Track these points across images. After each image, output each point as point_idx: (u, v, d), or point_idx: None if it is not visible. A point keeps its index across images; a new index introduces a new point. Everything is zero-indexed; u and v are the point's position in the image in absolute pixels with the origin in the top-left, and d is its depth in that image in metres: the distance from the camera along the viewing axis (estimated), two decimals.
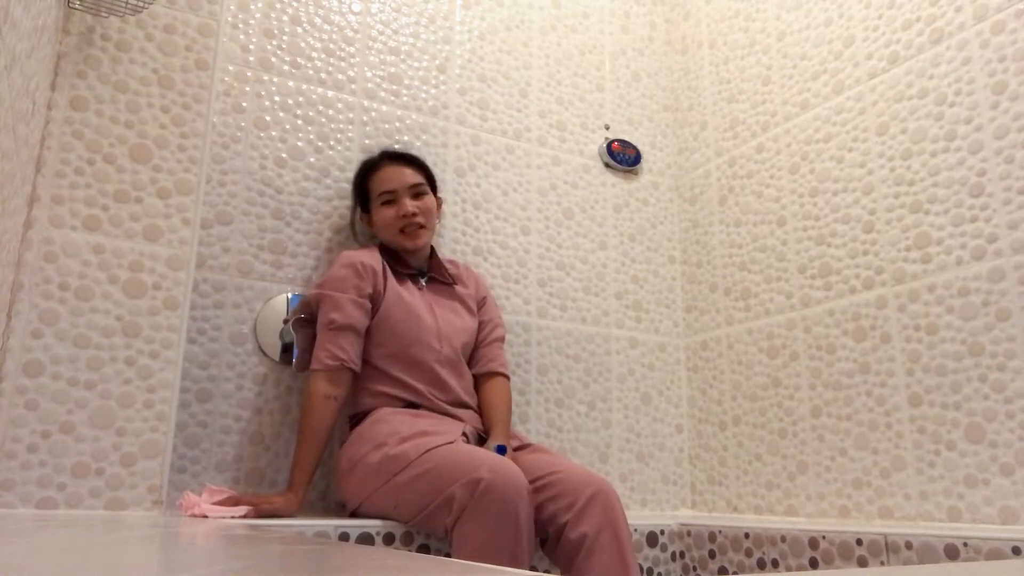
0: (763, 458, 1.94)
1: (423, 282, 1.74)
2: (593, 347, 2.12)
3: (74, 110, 1.35)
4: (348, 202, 1.86)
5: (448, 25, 2.13)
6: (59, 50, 1.35)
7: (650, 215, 2.33)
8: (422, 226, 1.71)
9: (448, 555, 1.32)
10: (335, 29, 1.95)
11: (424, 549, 1.38)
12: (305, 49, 1.90)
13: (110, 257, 1.33)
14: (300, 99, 1.86)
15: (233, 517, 1.33)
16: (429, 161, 1.88)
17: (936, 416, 1.56)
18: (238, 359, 1.65)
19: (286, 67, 1.86)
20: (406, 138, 1.98)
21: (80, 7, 1.36)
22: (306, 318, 1.63)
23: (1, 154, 0.97)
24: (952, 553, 1.26)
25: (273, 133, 1.80)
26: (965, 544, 1.24)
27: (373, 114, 1.95)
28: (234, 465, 1.59)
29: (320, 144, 1.86)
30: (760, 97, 2.13)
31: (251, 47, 1.83)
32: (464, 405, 1.65)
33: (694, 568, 1.70)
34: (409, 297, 1.67)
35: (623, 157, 2.30)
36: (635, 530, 1.67)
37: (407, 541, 1.37)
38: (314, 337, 1.58)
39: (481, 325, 1.78)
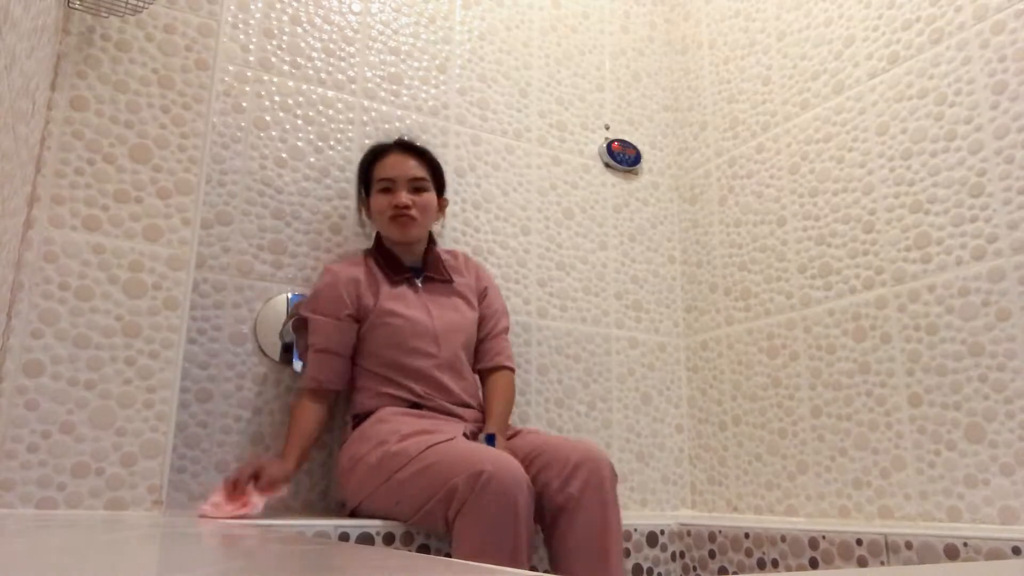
0: (763, 458, 1.94)
1: (419, 283, 1.71)
2: (593, 347, 2.12)
3: (74, 110, 1.35)
4: (348, 202, 1.86)
5: (448, 25, 2.13)
6: (59, 50, 1.35)
7: (650, 215, 2.33)
8: (414, 219, 1.67)
9: (448, 555, 1.32)
10: (335, 29, 1.95)
11: (424, 549, 1.38)
12: (305, 49, 1.90)
13: (110, 257, 1.33)
14: (300, 99, 1.86)
15: (246, 516, 1.33)
16: None
17: (936, 416, 1.56)
18: (238, 359, 1.65)
19: (286, 67, 1.86)
20: (406, 138, 1.98)
21: (80, 7, 1.36)
22: (306, 319, 1.63)
23: (1, 154, 0.97)
24: (952, 553, 1.26)
25: (273, 133, 1.80)
26: (965, 544, 1.24)
27: (373, 114, 1.95)
28: (234, 465, 1.59)
29: (320, 144, 1.86)
30: (760, 97, 2.13)
31: (251, 47, 1.83)
32: (466, 405, 1.64)
33: (694, 568, 1.70)
34: (403, 306, 1.64)
35: (623, 157, 2.30)
36: (635, 530, 1.67)
37: (407, 541, 1.37)
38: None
39: (484, 318, 1.76)
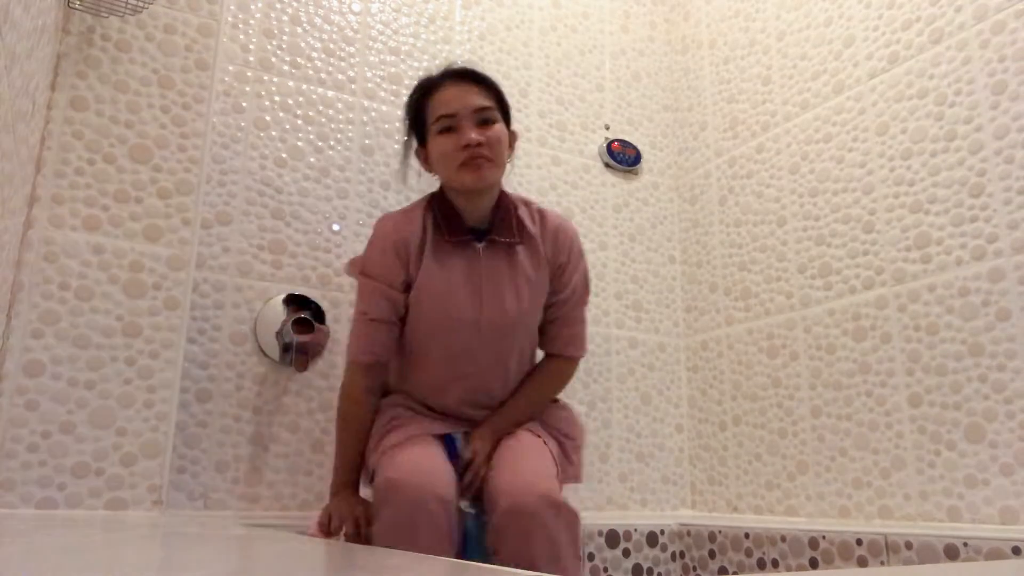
0: (763, 458, 1.94)
1: (480, 247, 1.43)
2: (593, 347, 2.12)
3: (74, 110, 1.35)
4: (348, 202, 1.85)
5: (448, 25, 2.13)
6: (59, 50, 1.35)
7: (650, 215, 2.33)
8: (488, 159, 1.38)
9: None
10: (335, 29, 1.95)
11: None
12: (305, 49, 1.90)
13: (110, 257, 1.33)
14: (300, 99, 1.86)
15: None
16: None
17: (936, 416, 1.56)
18: (238, 359, 1.65)
19: (286, 67, 1.86)
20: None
21: (80, 7, 1.36)
22: (305, 319, 1.62)
23: (1, 154, 0.97)
24: (952, 553, 1.26)
25: (273, 133, 1.80)
26: (965, 544, 1.24)
27: (373, 114, 1.95)
28: (234, 465, 1.59)
29: (320, 144, 1.85)
30: (760, 97, 2.13)
31: (251, 47, 1.83)
32: (487, 407, 1.47)
33: (694, 568, 1.70)
34: (446, 284, 1.40)
35: (623, 157, 2.30)
36: (635, 530, 1.67)
37: None
38: (312, 340, 1.58)
39: (557, 302, 1.51)
